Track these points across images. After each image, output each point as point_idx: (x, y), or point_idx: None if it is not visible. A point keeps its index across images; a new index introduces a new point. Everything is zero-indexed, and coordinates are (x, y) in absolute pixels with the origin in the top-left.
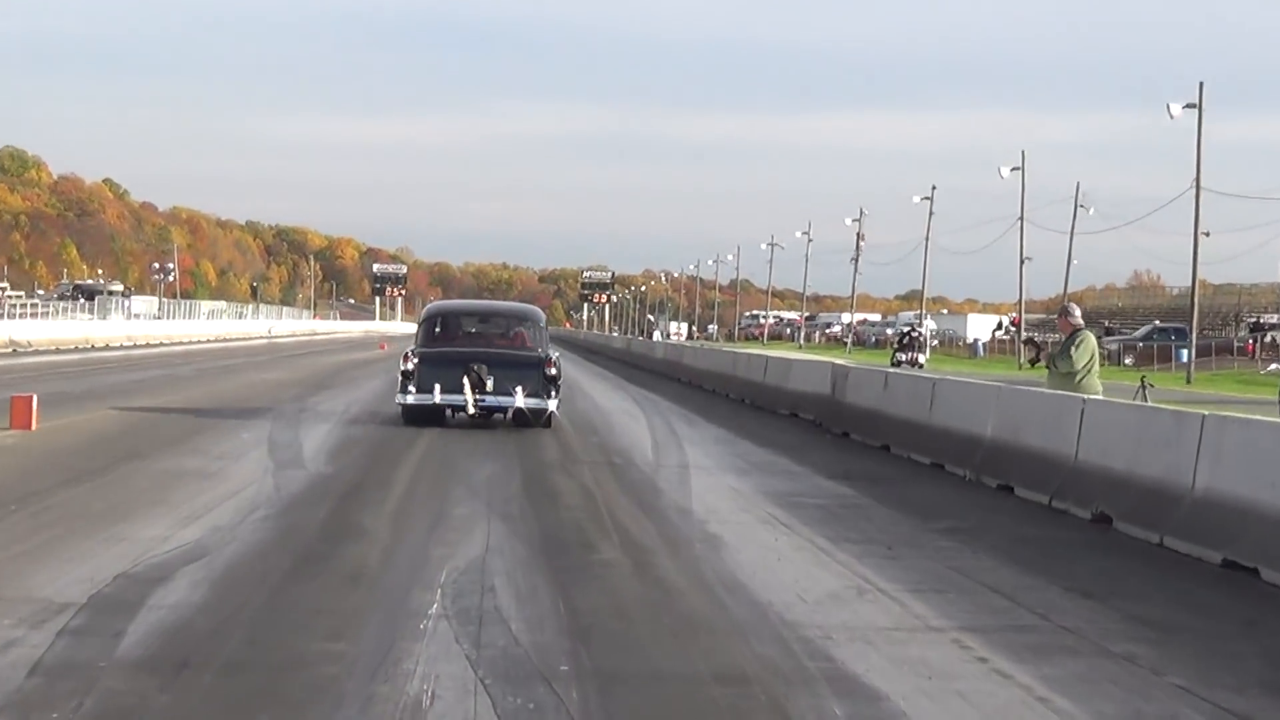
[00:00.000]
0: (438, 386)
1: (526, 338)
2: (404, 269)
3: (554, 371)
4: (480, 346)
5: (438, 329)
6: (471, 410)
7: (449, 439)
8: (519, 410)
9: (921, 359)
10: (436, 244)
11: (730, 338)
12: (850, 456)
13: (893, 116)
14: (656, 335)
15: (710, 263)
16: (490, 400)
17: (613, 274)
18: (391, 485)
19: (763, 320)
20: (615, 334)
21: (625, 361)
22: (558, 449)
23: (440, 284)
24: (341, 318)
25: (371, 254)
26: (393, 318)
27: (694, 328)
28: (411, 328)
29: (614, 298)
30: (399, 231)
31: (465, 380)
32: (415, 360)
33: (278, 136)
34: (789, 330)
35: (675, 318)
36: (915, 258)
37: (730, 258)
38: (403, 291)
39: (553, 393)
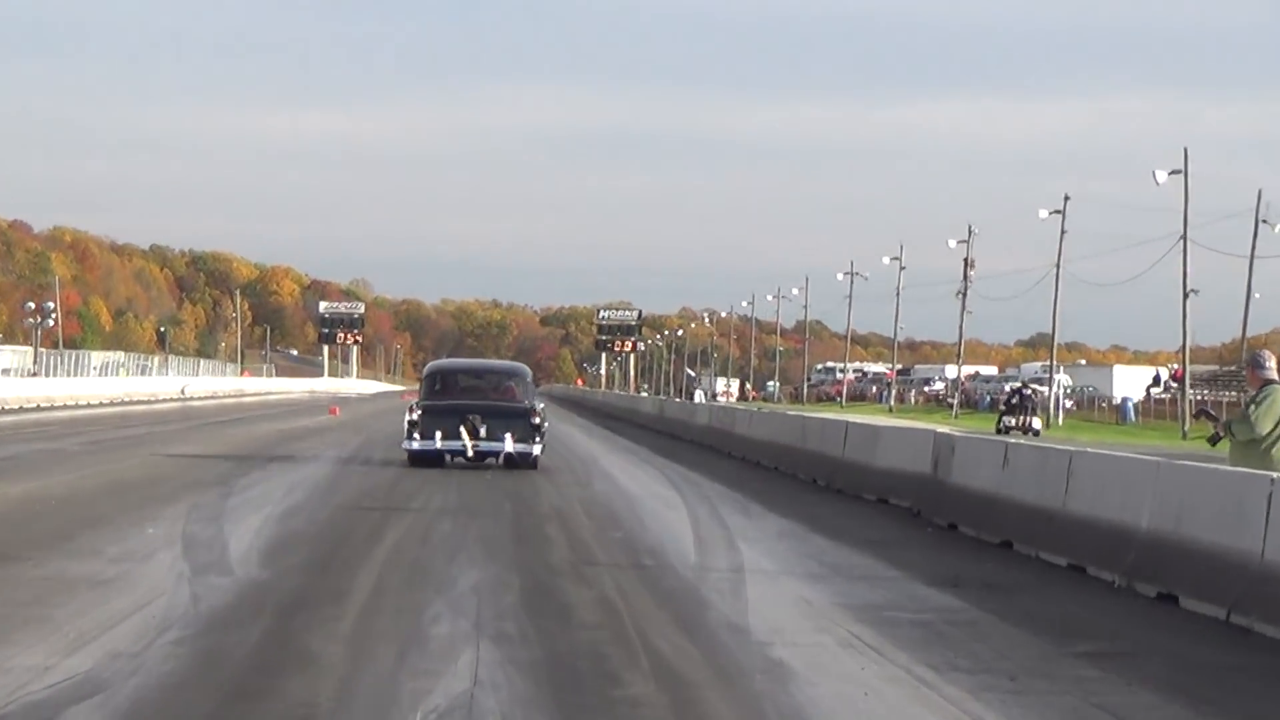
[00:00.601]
0: (439, 434)
1: (515, 392)
2: (360, 308)
3: (538, 420)
4: (475, 399)
5: (438, 385)
6: (470, 454)
7: (424, 532)
8: (509, 454)
9: (1036, 424)
10: (403, 276)
11: (797, 398)
12: (959, 556)
13: (1011, 104)
14: (698, 395)
15: (769, 299)
16: (484, 445)
17: (640, 314)
18: (347, 596)
19: (840, 375)
20: (644, 393)
21: (657, 430)
22: (568, 547)
23: (410, 328)
24: (279, 373)
25: (317, 289)
26: (346, 373)
27: (748, 385)
28: (373, 386)
29: (641, 345)
30: (353, 260)
31: (463, 428)
32: (419, 412)
33: (190, 134)
34: (875, 388)
35: (723, 372)
36: (1042, 291)
37: (796, 292)
38: (359, 338)
39: (537, 439)
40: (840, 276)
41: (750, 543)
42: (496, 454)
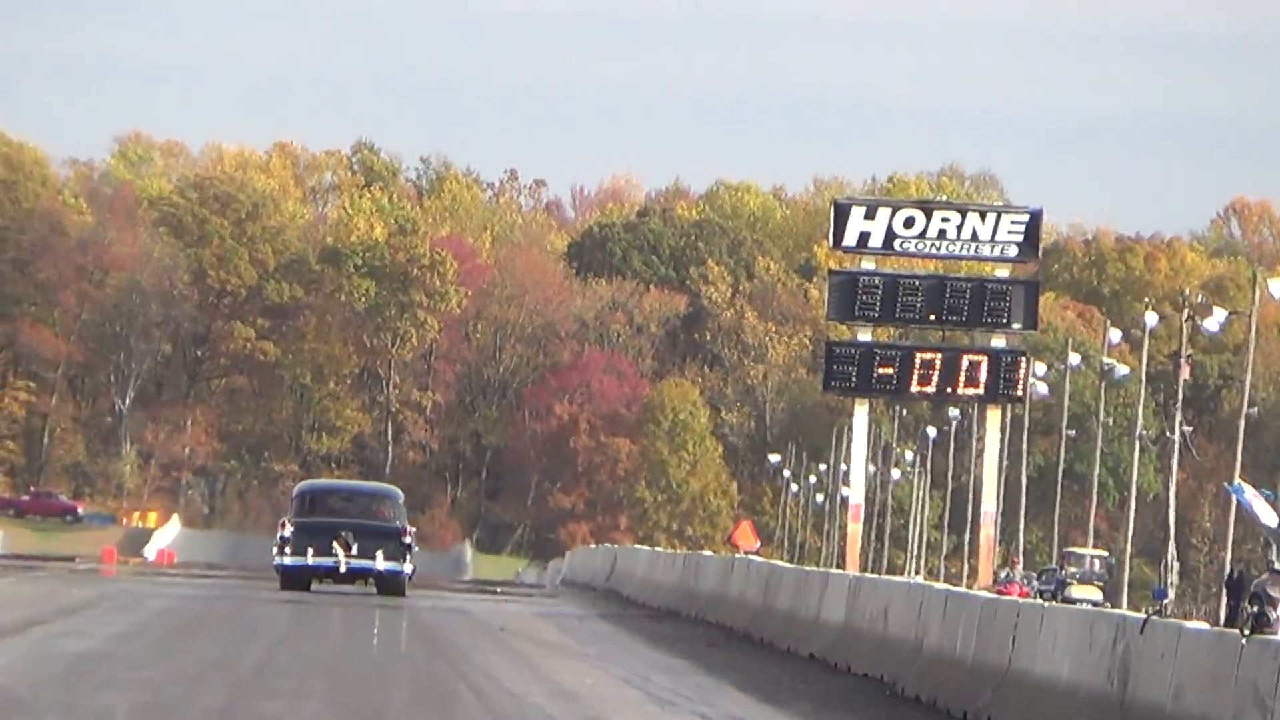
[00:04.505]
0: (311, 550)
1: (387, 513)
2: None
3: (409, 540)
4: (347, 518)
5: (308, 504)
6: (342, 570)
7: None
8: (379, 575)
9: None
10: None
11: None
12: None
13: None
14: None
15: None
16: (356, 563)
17: (1031, 223)
18: None
19: None
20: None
21: None
22: None
23: None
24: None
25: None
26: None
27: None
28: None
29: (1036, 377)
30: None
31: (336, 544)
32: (292, 529)
33: None
34: None
35: None
36: None
37: None
38: None
39: (408, 558)
40: None
41: None
42: (367, 574)
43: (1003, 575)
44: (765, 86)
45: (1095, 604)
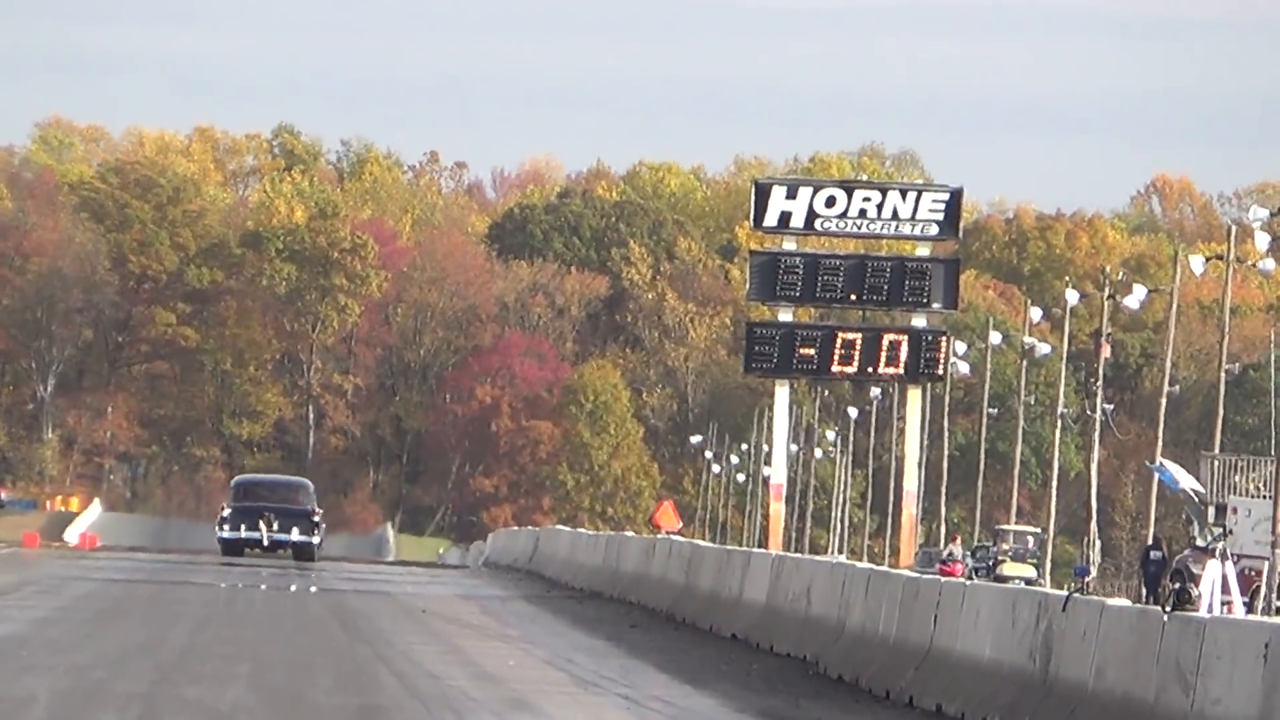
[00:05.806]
0: (243, 526)
1: (300, 499)
2: None
3: (317, 519)
4: (270, 503)
5: (242, 493)
6: (266, 542)
7: None
8: (295, 544)
9: None
10: None
11: None
12: None
13: None
14: None
15: None
16: (277, 536)
17: (952, 200)
18: None
19: None
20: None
21: None
22: None
23: None
24: None
25: None
26: None
27: None
28: None
29: (958, 354)
30: None
31: (261, 522)
32: (229, 510)
33: None
34: None
35: None
36: None
37: None
38: None
39: (316, 533)
40: None
41: None
42: (286, 544)
43: (945, 554)
44: (686, 67)
45: (1029, 581)
